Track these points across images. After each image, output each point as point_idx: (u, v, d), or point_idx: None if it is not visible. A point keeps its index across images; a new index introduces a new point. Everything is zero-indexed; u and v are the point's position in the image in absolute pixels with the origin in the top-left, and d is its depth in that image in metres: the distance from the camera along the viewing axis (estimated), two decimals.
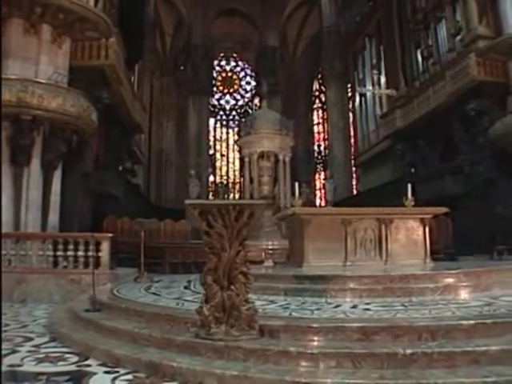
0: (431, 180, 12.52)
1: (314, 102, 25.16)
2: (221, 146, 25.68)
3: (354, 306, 3.70)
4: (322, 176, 23.78)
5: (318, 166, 24.70)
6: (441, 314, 3.31)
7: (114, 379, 2.88)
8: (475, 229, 10.83)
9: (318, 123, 24.93)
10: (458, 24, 11.85)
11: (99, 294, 5.10)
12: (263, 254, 10.50)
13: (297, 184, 6.57)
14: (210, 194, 21.74)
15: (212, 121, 25.62)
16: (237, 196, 22.84)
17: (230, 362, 2.83)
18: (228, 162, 25.48)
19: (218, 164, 25.65)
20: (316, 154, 24.94)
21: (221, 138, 25.77)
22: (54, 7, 8.23)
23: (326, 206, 14.34)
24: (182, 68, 23.31)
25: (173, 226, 11.29)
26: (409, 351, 2.62)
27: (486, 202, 10.80)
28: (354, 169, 20.17)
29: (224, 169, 25.48)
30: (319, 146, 24.86)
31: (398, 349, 2.65)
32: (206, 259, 3.14)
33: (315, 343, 2.83)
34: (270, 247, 11.74)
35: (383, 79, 15.68)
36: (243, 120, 15.72)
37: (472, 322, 2.97)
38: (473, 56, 10.43)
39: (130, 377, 2.93)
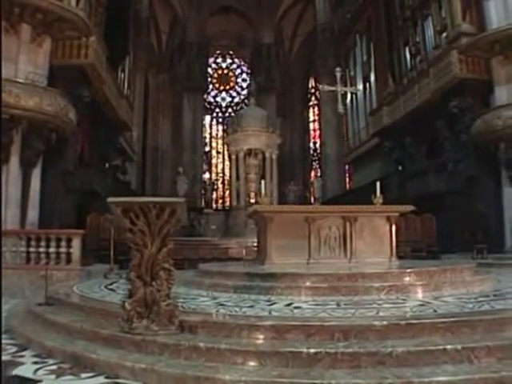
0: (417, 177, 12.51)
1: (310, 100, 25.12)
2: (217, 143, 25.77)
3: (289, 304, 3.71)
4: (319, 173, 23.78)
5: (314, 163, 24.70)
6: (365, 313, 3.30)
7: (37, 369, 3.01)
8: (459, 226, 10.80)
9: (314, 120, 24.91)
10: (444, 21, 11.76)
11: (59, 289, 5.26)
12: (244, 251, 10.57)
13: (263, 182, 6.63)
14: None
15: (208, 118, 25.73)
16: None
17: (147, 355, 2.93)
18: (224, 159, 25.54)
19: (214, 161, 25.76)
20: (312, 152, 24.94)
21: (217, 135, 25.86)
22: (31, 7, 8.34)
23: (314, 203, 14.35)
24: (177, 65, 23.42)
25: None
26: (312, 350, 2.64)
27: (468, 199, 10.76)
28: (347, 166, 20.14)
29: (220, 166, 25.58)
30: (315, 143, 24.85)
31: (303, 348, 2.67)
32: (132, 255, 3.24)
33: (227, 340, 2.90)
34: (255, 244, 11.83)
35: (373, 76, 15.64)
36: (231, 117, 15.79)
37: (385, 322, 2.96)
38: (455, 53, 10.35)
39: (54, 367, 3.06)
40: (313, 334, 2.87)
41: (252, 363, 2.65)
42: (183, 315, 3.17)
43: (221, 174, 25.29)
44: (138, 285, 3.14)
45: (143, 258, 3.15)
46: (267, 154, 13.67)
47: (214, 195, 24.80)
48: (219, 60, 26.33)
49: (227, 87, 26.30)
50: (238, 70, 26.58)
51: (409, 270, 4.93)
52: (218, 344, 2.77)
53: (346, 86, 8.29)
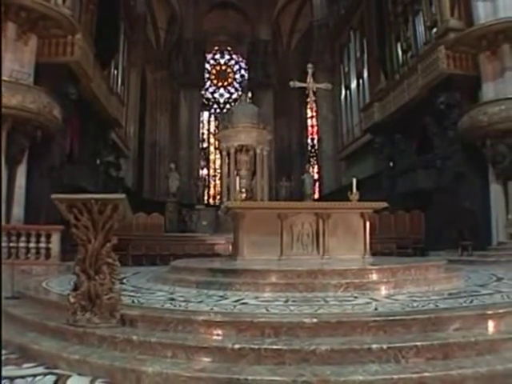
0: (407, 174, 12.48)
1: (308, 96, 24.97)
2: (214, 139, 25.80)
3: (237, 300, 3.72)
4: (316, 169, 23.77)
5: (312, 159, 24.66)
6: (303, 311, 3.28)
7: None
8: (447, 223, 10.77)
9: (312, 117, 24.82)
10: (434, 16, 11.68)
11: (29, 283, 5.39)
12: (231, 247, 10.65)
13: (238, 178, 6.67)
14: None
15: (206, 114, 25.77)
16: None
17: (87, 347, 3.01)
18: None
19: (211, 157, 25.83)
20: (309, 148, 24.90)
21: (215, 131, 25.89)
22: (15, 5, 8.44)
23: (303, 199, 14.39)
24: (174, 62, 23.46)
25: (145, 220, 11.57)
26: (237, 346, 2.66)
27: (456, 196, 10.72)
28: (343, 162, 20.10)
29: (218, 162, 25.60)
30: (313, 139, 24.80)
31: (228, 343, 2.70)
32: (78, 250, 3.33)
33: (163, 333, 2.97)
34: None
35: (366, 72, 15.57)
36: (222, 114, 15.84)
37: (315, 320, 2.95)
38: (442, 49, 10.29)
39: (2, 358, 3.17)
40: (243, 329, 2.90)
41: (180, 357, 2.72)
42: (126, 309, 3.26)
43: (218, 170, 25.33)
44: (82, 279, 3.23)
45: (87, 253, 3.23)
46: (258, 151, 13.69)
47: (212, 191, 24.93)
48: (217, 56, 26.31)
49: (225, 83, 26.30)
50: (236, 66, 26.55)
51: (370, 267, 4.93)
52: (149, 337, 2.85)
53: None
